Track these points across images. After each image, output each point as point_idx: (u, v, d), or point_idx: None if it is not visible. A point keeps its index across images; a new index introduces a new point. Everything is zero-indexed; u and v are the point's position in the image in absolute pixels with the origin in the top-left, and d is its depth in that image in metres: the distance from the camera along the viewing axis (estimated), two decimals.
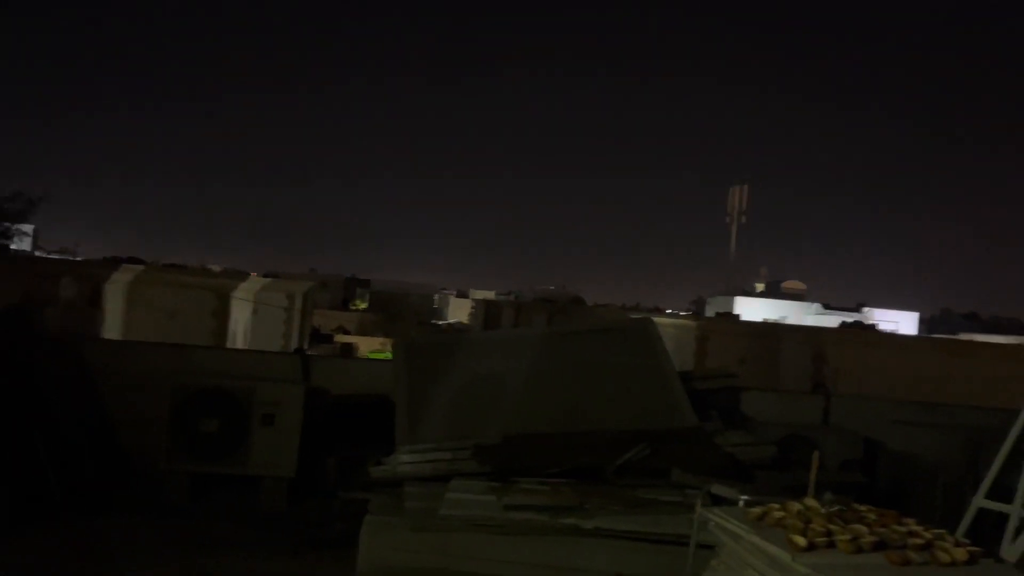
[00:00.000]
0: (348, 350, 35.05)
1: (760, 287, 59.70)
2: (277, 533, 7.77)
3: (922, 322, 57.78)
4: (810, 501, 4.32)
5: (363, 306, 57.44)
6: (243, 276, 31.10)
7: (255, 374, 9.42)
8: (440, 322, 54.72)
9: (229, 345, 25.14)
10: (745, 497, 5.42)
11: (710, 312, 46.98)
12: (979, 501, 6.52)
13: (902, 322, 51.26)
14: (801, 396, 13.31)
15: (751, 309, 48.07)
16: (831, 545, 3.79)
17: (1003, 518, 6.26)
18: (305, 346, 29.01)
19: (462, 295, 72.31)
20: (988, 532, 6.36)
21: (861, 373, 23.18)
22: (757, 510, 4.19)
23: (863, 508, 4.31)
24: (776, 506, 4.19)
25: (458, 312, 62.41)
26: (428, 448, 7.54)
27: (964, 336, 42.36)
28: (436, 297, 69.75)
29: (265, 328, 28.97)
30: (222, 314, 25.98)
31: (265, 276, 35.76)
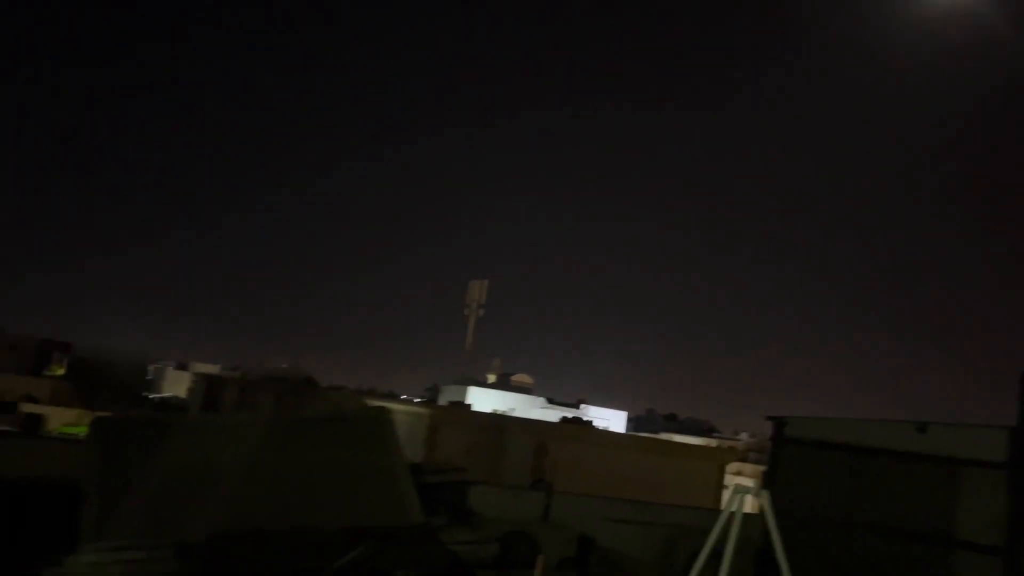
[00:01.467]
0: (35, 422, 30.48)
1: (492, 378, 61.77)
2: None
3: (629, 420, 63.23)
4: None
5: (60, 372, 50.69)
6: None
7: None
8: (154, 396, 49.78)
9: None
10: None
11: (444, 400, 47.56)
12: None
13: (613, 420, 55.60)
14: (524, 492, 13.71)
15: (482, 399, 49.49)
16: None
17: None
18: None
19: (182, 367, 66.48)
20: None
21: (577, 466, 24.56)
22: None
23: None
24: None
25: (175, 386, 57.23)
26: (120, 546, 6.60)
27: (664, 435, 46.98)
28: (151, 368, 63.46)
29: None
30: None
31: None
